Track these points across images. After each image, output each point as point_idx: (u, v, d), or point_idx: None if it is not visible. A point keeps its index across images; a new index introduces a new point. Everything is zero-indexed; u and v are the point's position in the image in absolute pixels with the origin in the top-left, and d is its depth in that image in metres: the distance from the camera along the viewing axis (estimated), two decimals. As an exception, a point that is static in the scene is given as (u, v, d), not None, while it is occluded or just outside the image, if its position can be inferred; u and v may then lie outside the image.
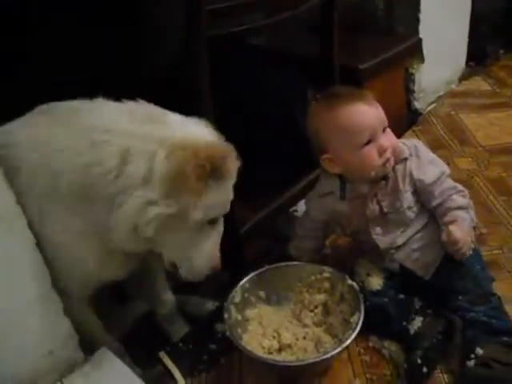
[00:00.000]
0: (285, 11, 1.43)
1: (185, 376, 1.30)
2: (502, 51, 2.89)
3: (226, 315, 1.29)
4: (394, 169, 1.33)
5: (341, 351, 1.22)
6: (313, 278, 1.39)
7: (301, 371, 1.26)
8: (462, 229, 1.25)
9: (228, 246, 1.19)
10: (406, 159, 1.33)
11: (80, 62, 1.25)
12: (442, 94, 2.54)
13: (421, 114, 2.40)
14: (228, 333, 1.27)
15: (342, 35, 1.62)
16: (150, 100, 1.08)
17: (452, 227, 1.25)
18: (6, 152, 1.05)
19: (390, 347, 1.32)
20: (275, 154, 1.61)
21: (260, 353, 1.26)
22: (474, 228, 1.37)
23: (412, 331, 1.28)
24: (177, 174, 0.98)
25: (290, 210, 1.76)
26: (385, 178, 1.34)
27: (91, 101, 1.08)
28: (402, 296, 1.35)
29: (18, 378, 1.09)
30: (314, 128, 1.34)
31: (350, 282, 1.33)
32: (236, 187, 1.12)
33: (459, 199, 1.30)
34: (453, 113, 2.42)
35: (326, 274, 1.38)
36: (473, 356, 1.18)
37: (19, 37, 1.24)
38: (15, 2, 1.19)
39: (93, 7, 1.20)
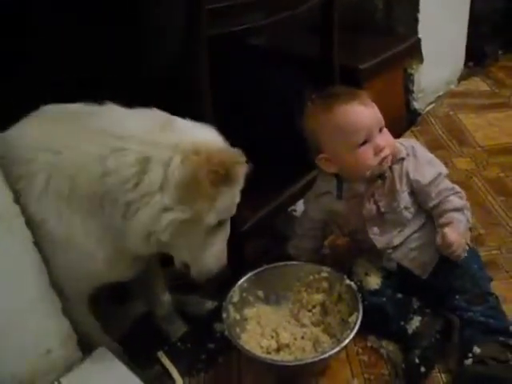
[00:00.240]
0: (284, 11, 1.44)
1: (183, 375, 1.31)
2: (500, 52, 2.89)
3: (224, 315, 1.29)
4: (391, 169, 1.33)
5: (339, 351, 1.22)
6: (311, 277, 1.39)
7: (299, 371, 1.26)
8: (456, 231, 1.25)
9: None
10: (402, 159, 1.34)
11: (80, 62, 1.25)
12: (441, 94, 2.54)
13: (420, 114, 2.41)
14: (226, 332, 1.27)
15: (341, 35, 1.62)
16: (149, 100, 1.08)
17: (447, 230, 1.25)
18: (19, 154, 1.05)
19: (388, 347, 1.32)
20: (274, 154, 1.61)
21: (258, 352, 1.26)
22: (470, 229, 1.37)
23: (410, 331, 1.28)
24: (191, 179, 0.99)
25: (289, 210, 1.76)
26: (381, 176, 1.34)
27: (100, 105, 1.08)
28: (399, 295, 1.36)
29: (16, 378, 1.09)
30: (310, 128, 1.34)
31: (347, 281, 1.34)
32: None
33: (455, 200, 1.30)
34: (451, 113, 2.42)
35: (324, 274, 1.38)
36: (470, 355, 1.18)
37: (19, 37, 1.24)
38: (15, 2, 1.19)
39: (93, 7, 1.20)
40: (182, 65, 1.27)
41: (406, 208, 1.34)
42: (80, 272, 1.11)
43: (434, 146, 2.07)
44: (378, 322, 1.32)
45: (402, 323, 1.30)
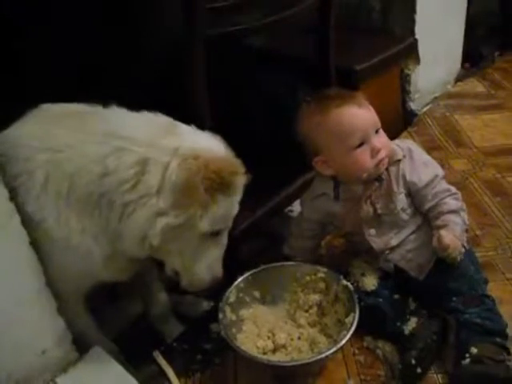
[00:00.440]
0: (281, 12, 1.43)
1: (179, 376, 1.31)
2: (497, 53, 2.89)
3: (220, 315, 1.29)
4: (387, 170, 1.33)
5: (335, 351, 1.22)
6: (308, 278, 1.39)
7: (295, 371, 1.26)
8: (453, 233, 1.25)
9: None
10: (399, 161, 1.34)
11: (79, 62, 1.25)
12: (437, 95, 2.54)
13: (416, 115, 2.40)
14: (223, 333, 1.27)
15: (337, 36, 1.62)
16: (148, 100, 1.08)
17: (443, 232, 1.25)
18: (18, 153, 1.04)
19: (385, 348, 1.32)
20: (271, 154, 1.61)
21: (254, 353, 1.26)
22: (467, 230, 1.37)
23: (406, 332, 1.28)
24: (186, 183, 0.99)
25: (286, 210, 1.76)
26: (378, 178, 1.34)
27: (104, 107, 1.08)
28: (396, 296, 1.36)
29: (12, 377, 1.09)
30: (306, 131, 1.33)
31: (344, 282, 1.34)
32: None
33: (452, 202, 1.30)
34: (448, 114, 2.42)
35: (321, 275, 1.38)
36: (467, 355, 1.18)
37: (19, 37, 1.23)
38: (15, 2, 1.19)
39: (92, 7, 1.20)
40: (180, 64, 1.26)
41: (403, 209, 1.34)
42: (77, 271, 1.11)
43: (430, 147, 2.08)
44: (375, 322, 1.32)
45: (399, 324, 1.30)
